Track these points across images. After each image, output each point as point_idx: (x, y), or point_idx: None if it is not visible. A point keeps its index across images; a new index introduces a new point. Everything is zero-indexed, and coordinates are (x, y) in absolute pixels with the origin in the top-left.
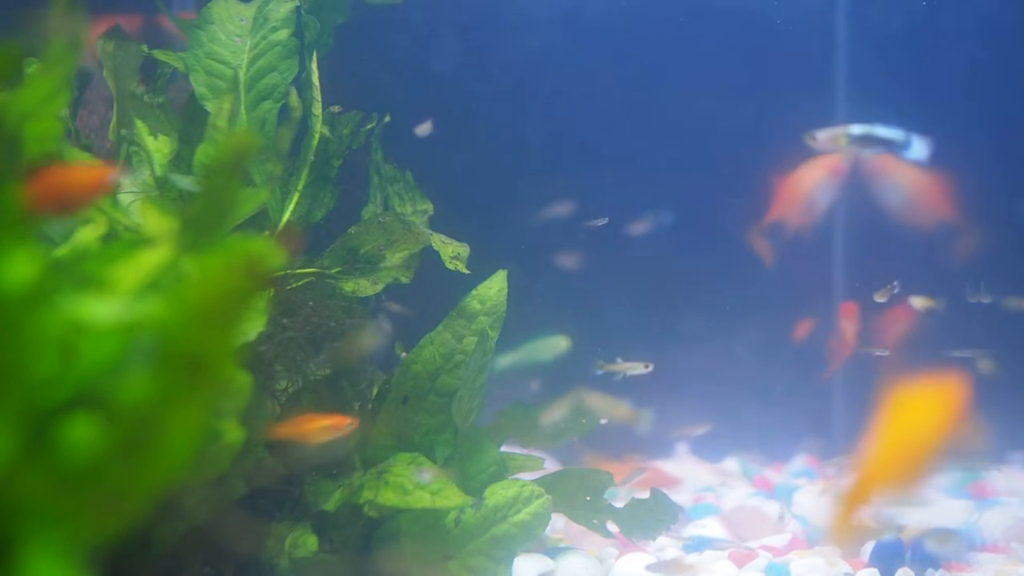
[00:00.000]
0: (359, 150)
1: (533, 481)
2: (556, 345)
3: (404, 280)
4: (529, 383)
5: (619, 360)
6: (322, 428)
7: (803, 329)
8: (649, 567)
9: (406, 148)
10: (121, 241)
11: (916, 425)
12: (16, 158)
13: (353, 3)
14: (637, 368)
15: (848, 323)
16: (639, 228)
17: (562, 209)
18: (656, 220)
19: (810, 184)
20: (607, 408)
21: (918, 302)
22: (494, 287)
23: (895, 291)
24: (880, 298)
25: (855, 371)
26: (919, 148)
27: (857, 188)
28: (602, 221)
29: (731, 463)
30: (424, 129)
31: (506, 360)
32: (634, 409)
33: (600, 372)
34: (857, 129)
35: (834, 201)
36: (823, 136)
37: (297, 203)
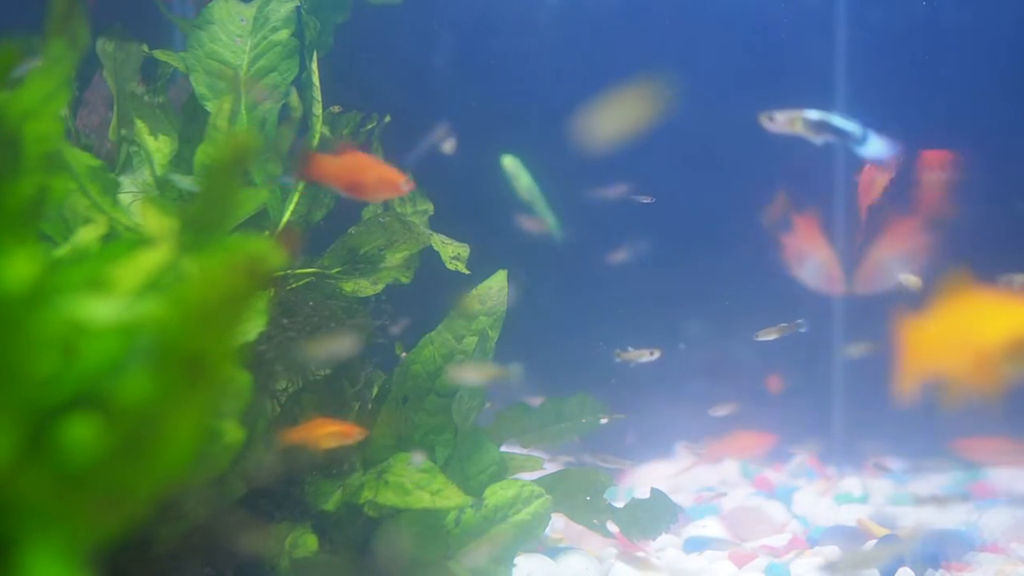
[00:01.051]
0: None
1: (533, 481)
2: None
3: (404, 280)
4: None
5: (630, 349)
6: (330, 434)
7: (775, 383)
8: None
9: (406, 148)
10: (121, 241)
11: (993, 322)
12: (16, 158)
13: (353, 3)
14: (644, 355)
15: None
16: (638, 228)
17: (562, 208)
18: (656, 220)
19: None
20: (476, 373)
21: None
22: (494, 287)
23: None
24: (770, 335)
25: (856, 372)
26: (876, 145)
27: (853, 182)
28: (647, 199)
29: (731, 463)
30: (448, 145)
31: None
32: (502, 367)
33: (619, 360)
34: (814, 115)
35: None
36: (781, 118)
37: (297, 203)
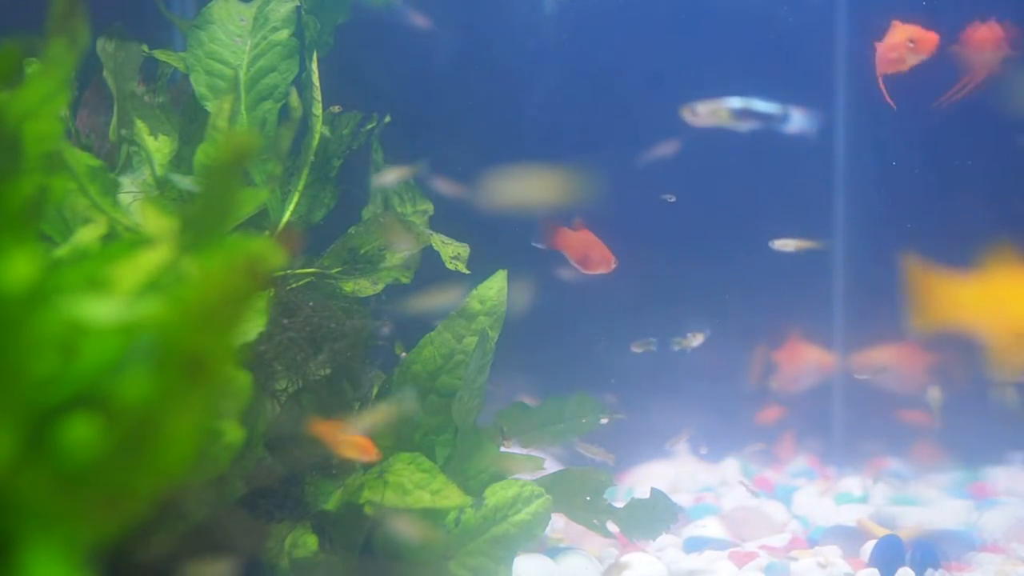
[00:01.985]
0: (359, 150)
1: (533, 481)
2: None
3: (404, 280)
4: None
5: (689, 335)
6: (350, 444)
7: (769, 415)
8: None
9: (406, 148)
10: (121, 241)
11: None
12: (16, 158)
13: (353, 3)
14: (698, 338)
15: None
16: (639, 226)
17: (562, 207)
18: (656, 219)
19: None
20: (372, 420)
21: (785, 244)
22: (494, 287)
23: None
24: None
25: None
26: (799, 120)
27: (853, 183)
28: (671, 198)
29: (731, 463)
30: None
31: None
32: (397, 402)
33: (677, 348)
34: (736, 102)
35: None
36: (703, 109)
37: (297, 203)
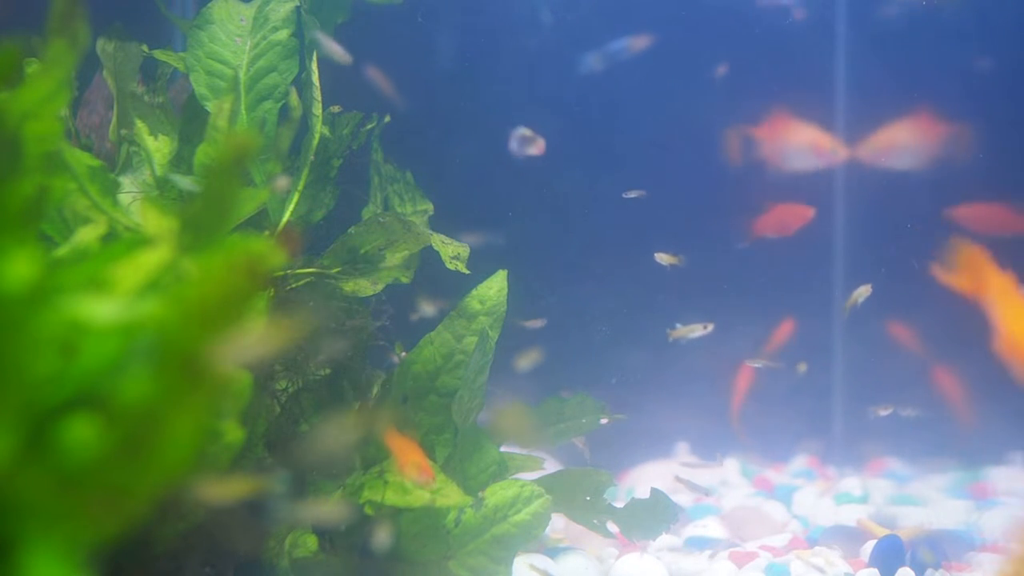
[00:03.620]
0: (359, 150)
1: (533, 481)
2: None
3: (404, 280)
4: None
5: (678, 326)
6: (413, 464)
7: (785, 331)
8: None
9: (406, 148)
10: (121, 241)
11: None
12: (16, 158)
13: (353, 3)
14: (697, 330)
15: None
16: (639, 226)
17: (562, 208)
18: (656, 219)
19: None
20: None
21: (664, 258)
22: (494, 287)
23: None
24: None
25: (853, 371)
26: (515, 144)
27: (852, 183)
28: (635, 193)
29: (731, 463)
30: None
31: None
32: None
33: (671, 340)
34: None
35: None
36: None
37: (297, 203)
